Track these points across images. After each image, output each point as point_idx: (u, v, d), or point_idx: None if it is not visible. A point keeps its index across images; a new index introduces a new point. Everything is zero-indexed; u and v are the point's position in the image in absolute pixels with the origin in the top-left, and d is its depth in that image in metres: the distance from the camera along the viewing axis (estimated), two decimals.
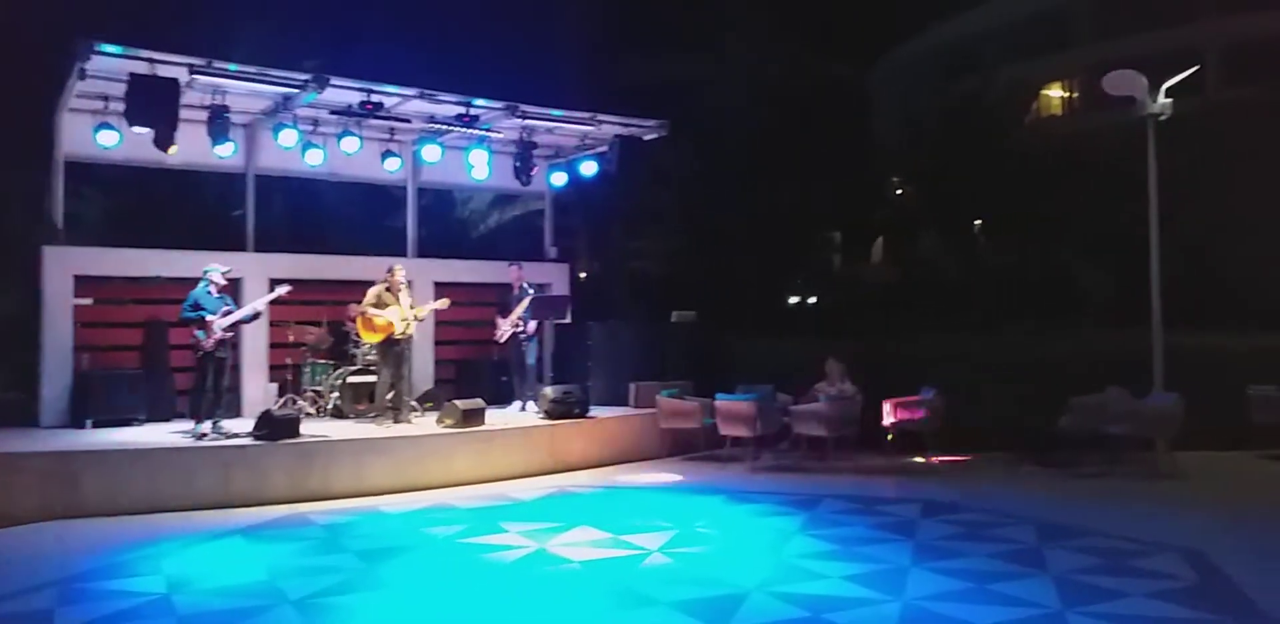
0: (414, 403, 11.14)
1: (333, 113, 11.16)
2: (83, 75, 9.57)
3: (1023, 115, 27.55)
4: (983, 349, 12.60)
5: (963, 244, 21.00)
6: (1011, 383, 11.40)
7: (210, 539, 7.62)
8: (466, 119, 11.56)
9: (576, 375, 12.50)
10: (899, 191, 24.74)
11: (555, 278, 14.02)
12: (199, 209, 16.41)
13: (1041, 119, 32.80)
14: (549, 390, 11.27)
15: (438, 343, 12.90)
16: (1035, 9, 34.39)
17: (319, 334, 11.61)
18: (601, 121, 12.41)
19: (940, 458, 10.90)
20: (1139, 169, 10.86)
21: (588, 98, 13.45)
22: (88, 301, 10.96)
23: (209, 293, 9.59)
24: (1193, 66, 11.27)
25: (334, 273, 12.36)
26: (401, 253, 13.11)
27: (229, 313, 9.62)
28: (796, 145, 21.59)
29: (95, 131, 10.39)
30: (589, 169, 13.39)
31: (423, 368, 12.30)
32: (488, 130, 11.92)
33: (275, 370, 11.71)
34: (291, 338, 11.59)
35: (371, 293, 10.62)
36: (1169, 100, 10.66)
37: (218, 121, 10.39)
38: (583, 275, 20.15)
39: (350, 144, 11.36)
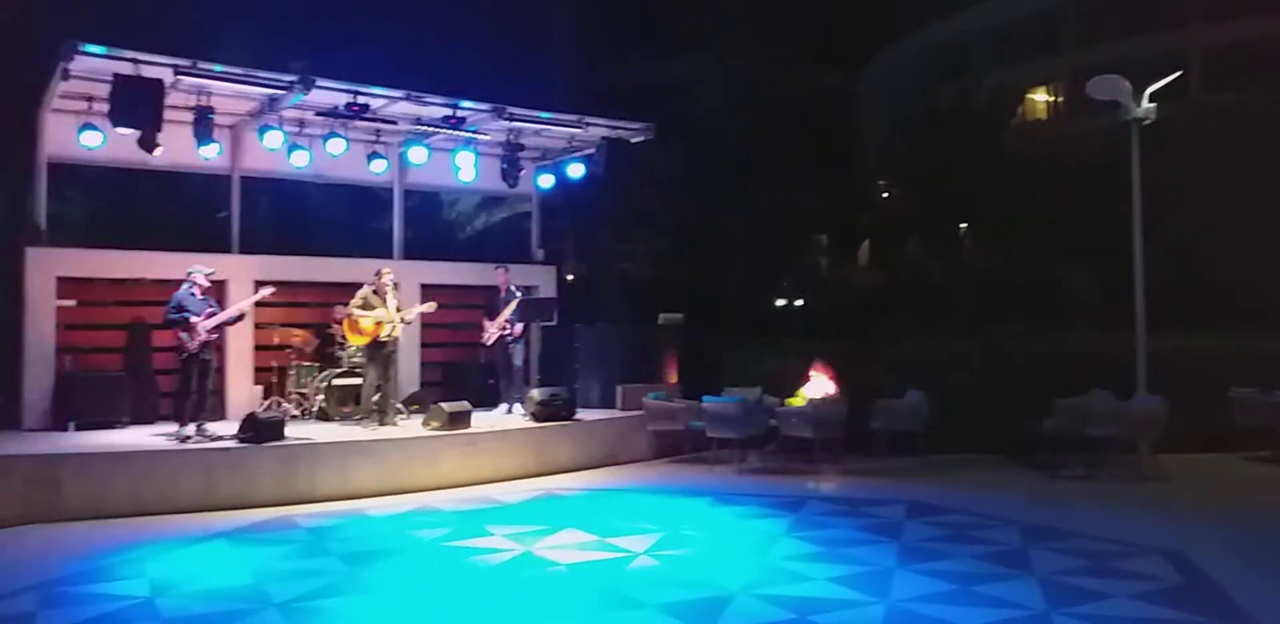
0: (400, 405, 11.11)
1: (319, 114, 11.12)
2: (66, 75, 9.49)
3: (1009, 119, 27.68)
4: (969, 352, 12.66)
5: (949, 247, 21.08)
6: (997, 385, 11.45)
7: (194, 542, 7.58)
8: (453, 121, 11.53)
9: (563, 378, 12.49)
10: (885, 195, 24.83)
11: (542, 280, 14.00)
12: (183, 210, 16.28)
13: (1027, 123, 32.99)
14: (535, 393, 11.25)
15: (424, 345, 12.86)
16: (1022, 14, 34.60)
17: (304, 336, 11.56)
18: (589, 124, 12.40)
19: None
20: (1125, 173, 10.93)
21: (575, 100, 13.46)
22: (71, 303, 10.88)
23: (193, 294, 9.53)
24: (1176, 72, 11.33)
25: (320, 275, 12.30)
26: (387, 255, 13.07)
27: (213, 315, 9.57)
28: (784, 148, 21.65)
29: (79, 132, 10.31)
30: (576, 171, 13.38)
31: (409, 370, 12.26)
32: (474, 132, 11.89)
33: (260, 373, 11.65)
34: (277, 340, 11.53)
35: (359, 295, 10.59)
36: (1153, 105, 10.74)
37: (203, 123, 10.34)
38: (570, 277, 20.12)
39: (336, 146, 11.31)
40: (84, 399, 10.28)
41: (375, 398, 10.54)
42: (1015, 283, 18.03)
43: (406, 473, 9.62)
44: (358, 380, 10.99)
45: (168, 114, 9.79)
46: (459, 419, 10.26)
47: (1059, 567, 6.74)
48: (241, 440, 9.17)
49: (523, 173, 13.06)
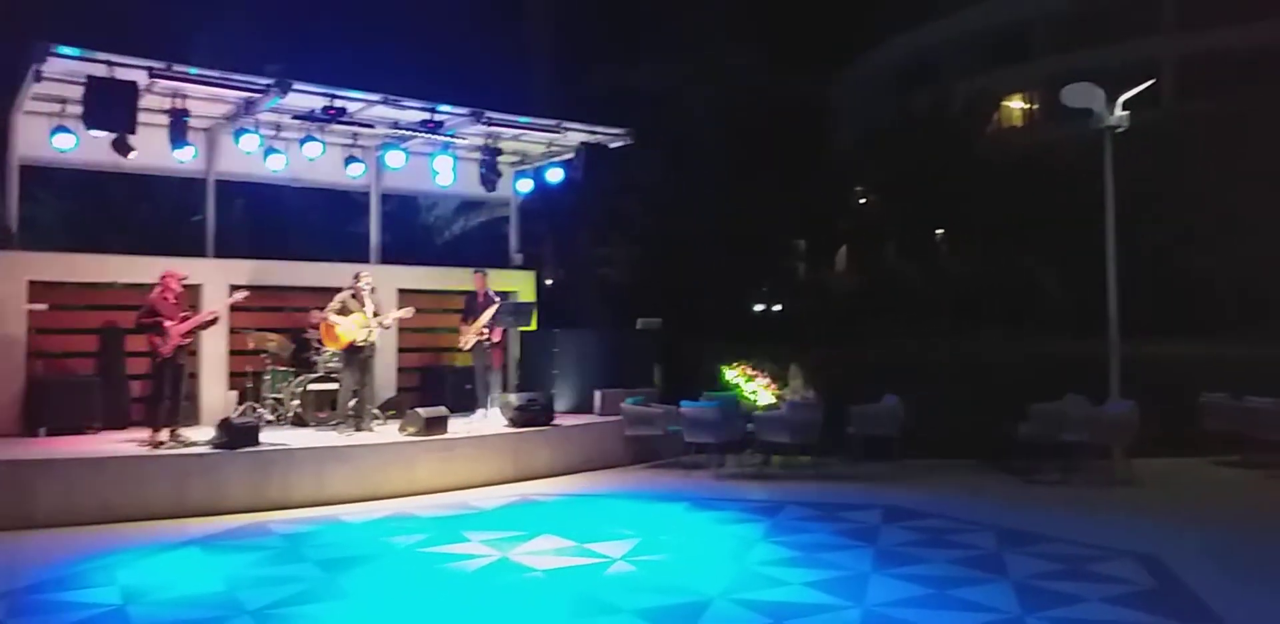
0: (376, 411, 11.04)
1: (295, 118, 11.05)
2: (38, 77, 9.41)
3: (984, 126, 27.92)
4: (945, 357, 12.74)
5: (925, 253, 21.24)
6: (973, 390, 11.52)
7: (166, 549, 7.50)
8: (431, 125, 11.50)
9: (541, 383, 12.46)
10: (863, 201, 24.99)
11: (520, 285, 13.97)
12: (157, 214, 16.17)
13: (1003, 130, 33.30)
14: (513, 398, 11.22)
15: (401, 350, 12.80)
16: (996, 21, 34.94)
17: (280, 341, 11.48)
18: (567, 129, 12.41)
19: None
20: (1099, 179, 11.04)
21: (555, 105, 13.46)
22: (43, 307, 10.75)
23: (166, 299, 9.44)
24: (1149, 80, 11.47)
25: (295, 279, 12.23)
26: (364, 259, 13.01)
27: (186, 319, 9.49)
28: (762, 154, 21.75)
29: (51, 134, 10.22)
30: (555, 176, 13.38)
31: (386, 375, 12.19)
32: (452, 136, 11.87)
33: (235, 378, 11.56)
34: (252, 345, 11.44)
35: (337, 299, 10.54)
36: (1126, 113, 10.86)
37: (177, 125, 10.27)
38: (549, 282, 20.11)
39: (313, 149, 11.27)
40: (55, 404, 10.15)
41: (352, 403, 10.48)
42: (991, 288, 18.18)
43: (382, 479, 9.57)
44: (334, 385, 10.93)
45: (142, 116, 9.71)
46: (436, 425, 10.22)
47: (1033, 571, 6.78)
48: (215, 446, 9.08)
49: (501, 177, 13.05)
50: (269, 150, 11.33)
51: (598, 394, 12.23)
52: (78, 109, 9.55)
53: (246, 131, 10.96)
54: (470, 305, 11.83)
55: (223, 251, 12.03)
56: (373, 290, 10.79)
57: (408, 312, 10.98)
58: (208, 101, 10.60)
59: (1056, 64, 30.76)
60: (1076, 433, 10.24)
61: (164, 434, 9.27)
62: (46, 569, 6.90)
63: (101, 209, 16.56)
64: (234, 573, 6.84)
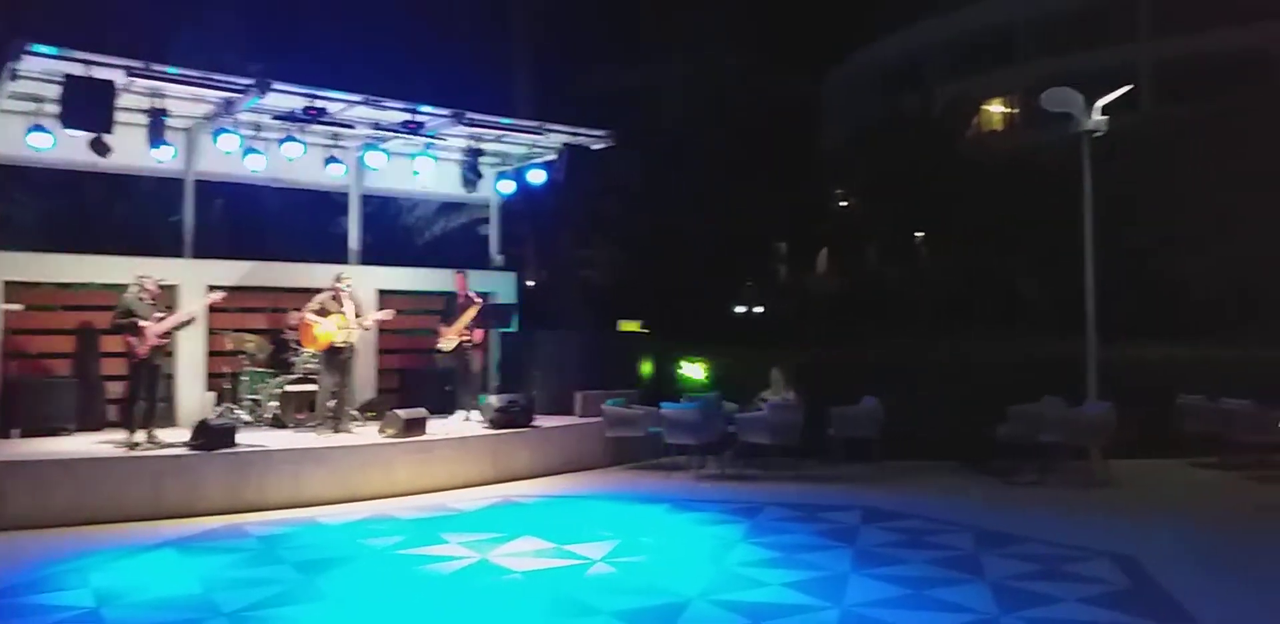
0: (355, 412, 10.99)
1: (275, 118, 10.99)
2: (14, 76, 9.33)
3: (965, 130, 28.12)
4: (925, 359, 12.79)
5: (905, 255, 21.35)
6: (953, 392, 11.58)
7: (141, 551, 7.43)
8: (412, 126, 11.46)
9: (522, 384, 12.42)
10: (844, 204, 25.10)
11: (502, 286, 13.93)
12: (135, 214, 16.03)
13: (984, 134, 33.54)
14: (493, 399, 11.19)
15: (381, 351, 12.74)
16: (977, 26, 35.18)
17: (258, 342, 11.41)
18: (549, 130, 12.39)
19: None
20: (1080, 183, 11.11)
21: (538, 107, 13.45)
22: (18, 307, 10.65)
23: (141, 299, 9.37)
24: (1127, 85, 11.55)
25: (274, 280, 12.14)
26: (344, 260, 12.93)
27: (162, 320, 9.41)
28: (744, 157, 21.82)
29: (27, 133, 10.11)
30: (537, 177, 13.35)
31: (365, 377, 12.14)
32: (433, 137, 11.83)
33: (213, 379, 11.48)
34: (230, 346, 11.37)
35: (316, 300, 10.49)
36: (1104, 117, 10.94)
37: (156, 125, 10.19)
38: (530, 284, 20.08)
39: (293, 150, 11.21)
40: (29, 405, 10.06)
41: (330, 404, 10.42)
42: (971, 291, 18.29)
43: (361, 480, 9.52)
44: (312, 387, 10.86)
45: (120, 116, 9.65)
46: (415, 426, 10.17)
47: (1010, 571, 6.82)
48: (192, 447, 9.01)
49: (482, 178, 13.02)
50: (248, 150, 11.25)
51: (578, 395, 12.21)
52: (55, 108, 9.44)
53: (226, 131, 10.89)
54: (451, 306, 11.79)
55: (201, 252, 11.93)
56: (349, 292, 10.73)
57: (388, 314, 10.94)
58: (187, 101, 10.52)
59: (1037, 68, 31.04)
60: (1054, 434, 10.31)
61: (140, 435, 9.19)
62: (18, 572, 6.82)
63: (78, 209, 16.41)
64: (210, 575, 6.78)
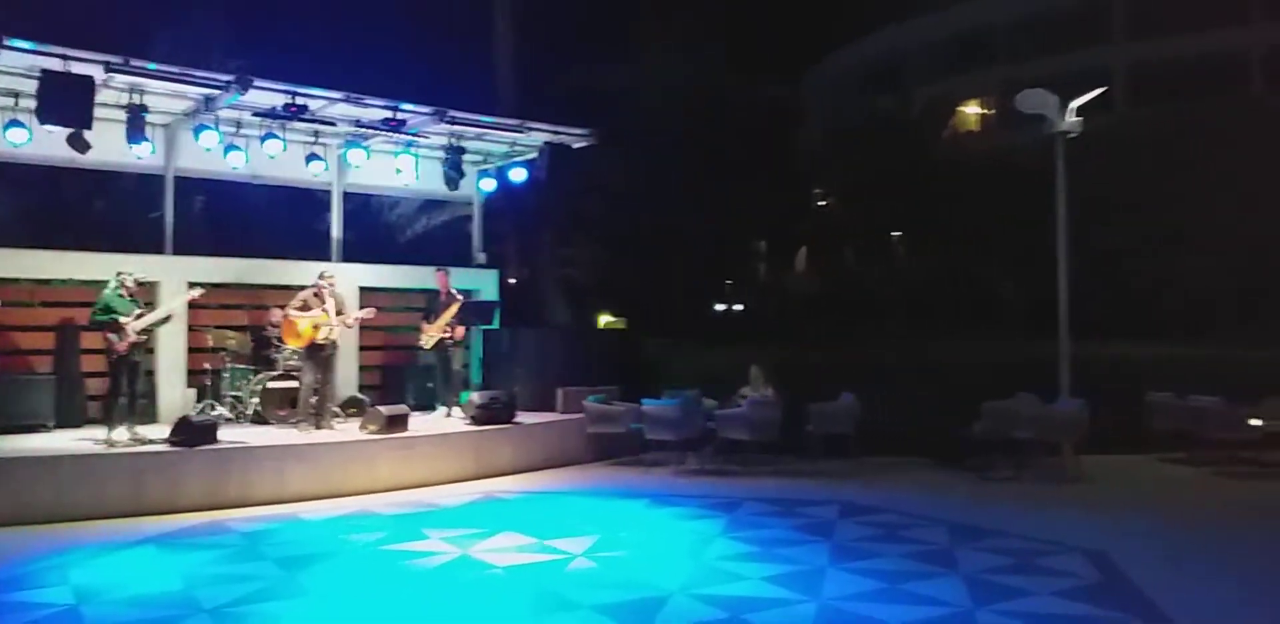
0: (337, 409, 11.00)
1: (256, 115, 10.99)
2: None
3: (942, 131, 28.32)
4: (901, 356, 12.92)
5: (883, 255, 21.51)
6: (928, 389, 11.71)
7: (122, 548, 7.42)
8: (393, 123, 11.48)
9: (503, 381, 12.47)
10: (822, 203, 25.24)
11: (483, 283, 13.97)
12: (115, 210, 15.94)
13: (960, 134, 33.76)
14: (475, 396, 11.23)
15: (362, 348, 12.75)
16: (954, 28, 35.43)
17: (239, 338, 11.40)
18: (530, 128, 12.44)
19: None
20: (1054, 183, 11.25)
21: (521, 105, 13.48)
22: None
23: (120, 295, 9.35)
24: (1101, 87, 11.71)
25: (255, 277, 12.14)
26: (325, 257, 12.94)
27: (142, 316, 9.40)
28: (724, 157, 21.91)
29: (4, 129, 10.07)
30: (519, 175, 13.40)
31: (347, 373, 12.15)
32: (415, 135, 11.85)
33: (194, 375, 11.46)
34: (211, 342, 11.35)
35: (299, 297, 10.50)
36: (1079, 119, 11.08)
37: (135, 121, 10.17)
38: (512, 281, 20.10)
39: (273, 147, 11.20)
40: (8, 402, 10.01)
41: (312, 401, 10.43)
42: (947, 290, 18.46)
43: (343, 477, 9.54)
44: (294, 383, 10.87)
45: (99, 112, 9.62)
46: (396, 423, 10.20)
47: (984, 565, 6.93)
48: (173, 444, 9.00)
49: (464, 176, 13.05)
50: (229, 147, 11.25)
51: (560, 392, 12.27)
52: (32, 103, 9.41)
53: (206, 128, 10.87)
54: (433, 304, 11.82)
55: (181, 249, 11.91)
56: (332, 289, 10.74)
57: (369, 312, 10.95)
58: (167, 97, 10.51)
59: (1013, 70, 31.31)
60: (1028, 430, 10.45)
61: (120, 432, 9.17)
62: None
63: (57, 205, 16.29)
64: (191, 571, 6.78)
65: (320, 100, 10.90)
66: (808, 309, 18.91)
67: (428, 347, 11.71)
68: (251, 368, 11.33)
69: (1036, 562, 7.05)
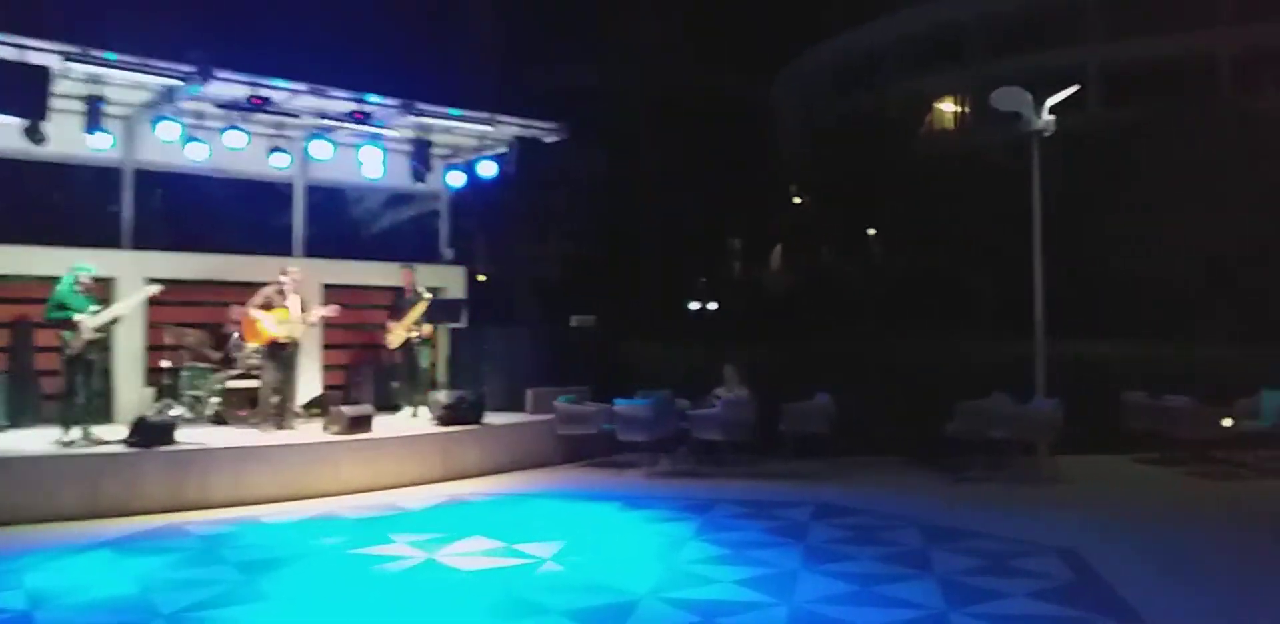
0: (299, 409, 10.77)
1: (218, 106, 10.72)
2: None
3: (917, 128, 28.41)
4: (876, 355, 12.87)
5: (858, 253, 21.52)
6: (903, 388, 11.67)
7: (77, 552, 7.22)
8: (359, 116, 11.25)
9: (472, 381, 12.27)
10: (797, 200, 25.23)
11: (451, 281, 13.76)
12: (71, 204, 15.56)
13: (935, 132, 33.90)
14: (442, 396, 11.03)
15: (326, 347, 12.51)
16: (928, 25, 35.54)
17: (198, 336, 11.14)
18: (500, 122, 12.25)
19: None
20: (1029, 182, 11.23)
21: (496, 102, 13.28)
22: None
23: (75, 292, 9.08)
24: (1075, 86, 11.69)
25: (216, 273, 11.86)
26: (288, 252, 12.68)
27: (98, 312, 9.13)
28: (698, 153, 21.84)
29: None
30: (488, 170, 13.18)
31: (310, 373, 11.91)
32: (381, 128, 11.63)
33: (152, 374, 11.19)
34: (169, 340, 11.08)
35: (261, 294, 10.25)
36: (1053, 117, 11.06)
37: (93, 112, 9.91)
38: (481, 278, 19.89)
39: (235, 139, 10.94)
40: None
41: (274, 401, 10.20)
42: (922, 288, 18.47)
43: (305, 479, 9.32)
44: (255, 383, 10.63)
45: (56, 102, 9.41)
46: (360, 423, 10.00)
47: (958, 566, 6.86)
48: (130, 445, 8.77)
49: (431, 170, 12.84)
50: (190, 139, 10.98)
51: (530, 392, 12.10)
52: None
53: (166, 119, 10.60)
54: (398, 302, 11.61)
55: (140, 244, 11.63)
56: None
57: (332, 309, 10.71)
58: (126, 88, 10.24)
59: (987, 68, 31.45)
60: (1002, 430, 10.42)
61: (75, 432, 8.92)
62: None
63: (11, 198, 15.86)
64: (148, 575, 6.61)
65: (284, 92, 10.65)
66: (782, 307, 18.86)
67: (394, 345, 11.49)
68: (211, 367, 11.07)
69: (1011, 563, 7.00)
